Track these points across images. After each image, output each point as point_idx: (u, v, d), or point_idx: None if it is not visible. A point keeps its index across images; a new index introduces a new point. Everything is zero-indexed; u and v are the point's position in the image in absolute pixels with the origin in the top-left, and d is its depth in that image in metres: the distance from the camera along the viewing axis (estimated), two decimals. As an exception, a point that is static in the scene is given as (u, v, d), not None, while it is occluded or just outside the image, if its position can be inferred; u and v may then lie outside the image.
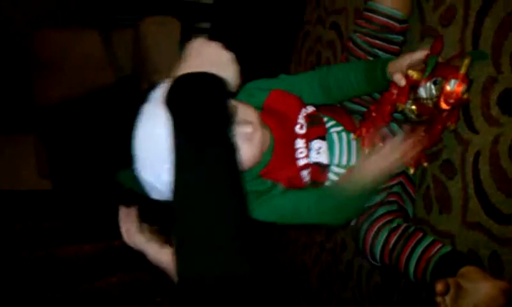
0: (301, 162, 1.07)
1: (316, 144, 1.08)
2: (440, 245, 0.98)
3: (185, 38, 2.66)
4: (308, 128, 1.09)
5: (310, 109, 1.13)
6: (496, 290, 0.85)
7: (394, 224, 1.06)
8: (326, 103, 1.16)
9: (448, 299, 0.84)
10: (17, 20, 2.65)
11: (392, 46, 1.15)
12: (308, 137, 1.08)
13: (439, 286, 0.83)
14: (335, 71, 1.13)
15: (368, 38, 1.15)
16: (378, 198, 1.13)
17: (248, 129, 0.97)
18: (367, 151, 1.08)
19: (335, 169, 1.09)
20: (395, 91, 1.01)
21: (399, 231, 1.04)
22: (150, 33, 2.48)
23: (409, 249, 1.00)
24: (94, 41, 2.57)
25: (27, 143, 2.60)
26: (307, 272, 1.82)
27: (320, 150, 1.08)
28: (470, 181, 1.00)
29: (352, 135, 1.12)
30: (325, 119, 1.13)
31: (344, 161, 1.10)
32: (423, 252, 0.99)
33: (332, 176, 1.09)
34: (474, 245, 1.00)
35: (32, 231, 2.50)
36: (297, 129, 1.09)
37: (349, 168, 1.09)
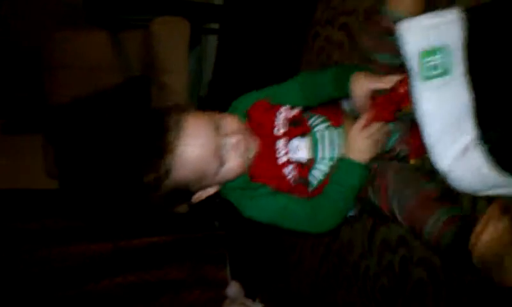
0: (281, 161, 1.12)
1: (294, 142, 1.13)
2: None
3: (194, 39, 2.67)
4: (288, 128, 1.14)
5: (293, 112, 1.17)
6: None
7: (435, 184, 1.03)
8: (313, 106, 1.19)
9: (497, 223, 0.80)
10: (28, 21, 2.67)
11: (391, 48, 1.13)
12: (288, 137, 1.13)
13: (500, 203, 0.79)
14: (310, 78, 1.19)
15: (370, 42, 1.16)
16: None
17: (232, 140, 1.06)
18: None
19: (320, 165, 1.13)
20: (401, 91, 1.00)
21: (439, 191, 1.00)
22: (159, 34, 2.48)
23: (427, 218, 0.95)
24: (104, 42, 2.58)
25: (36, 142, 2.62)
26: (314, 273, 1.81)
27: (299, 147, 1.13)
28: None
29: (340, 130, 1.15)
30: (312, 118, 1.17)
31: (327, 155, 1.14)
32: (449, 219, 0.93)
33: (316, 173, 1.14)
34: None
35: (38, 230, 2.51)
36: (276, 131, 1.14)
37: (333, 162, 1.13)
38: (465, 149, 0.89)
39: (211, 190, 1.14)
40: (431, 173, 1.05)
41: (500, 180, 0.86)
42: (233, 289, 2.35)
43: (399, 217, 1.02)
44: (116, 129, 2.43)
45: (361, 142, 1.05)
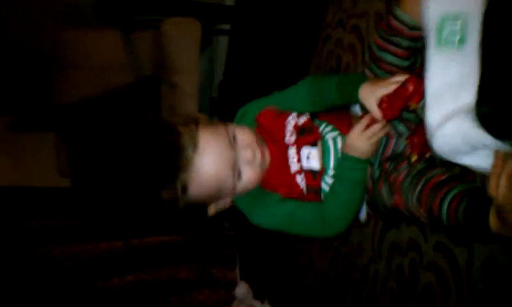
0: (293, 169, 1.11)
1: (305, 150, 1.12)
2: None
3: (205, 40, 2.68)
4: (298, 137, 1.13)
5: (302, 119, 1.16)
6: None
7: (444, 169, 1.03)
8: (321, 111, 1.18)
9: (507, 167, 0.78)
10: (40, 20, 2.69)
11: (398, 49, 1.12)
12: (299, 145, 1.12)
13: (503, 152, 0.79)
14: (317, 82, 1.16)
15: (379, 40, 1.15)
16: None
17: (248, 154, 1.05)
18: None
19: (330, 173, 1.12)
20: (410, 88, 1.00)
21: (448, 173, 1.00)
22: (170, 34, 2.50)
23: (449, 187, 0.95)
24: (115, 42, 2.60)
25: (48, 141, 2.64)
26: (323, 276, 1.81)
27: (310, 156, 1.12)
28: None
29: None
30: (322, 126, 1.17)
31: None
32: (462, 191, 0.92)
33: (329, 180, 1.12)
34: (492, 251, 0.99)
35: (50, 228, 2.54)
36: (287, 139, 1.13)
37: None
38: (458, 111, 0.89)
39: (228, 202, 1.14)
40: (437, 165, 1.06)
41: (486, 141, 0.86)
42: (242, 290, 2.35)
43: (417, 212, 1.02)
44: (131, 143, 2.46)
45: (362, 142, 1.05)
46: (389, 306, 1.37)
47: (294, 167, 1.11)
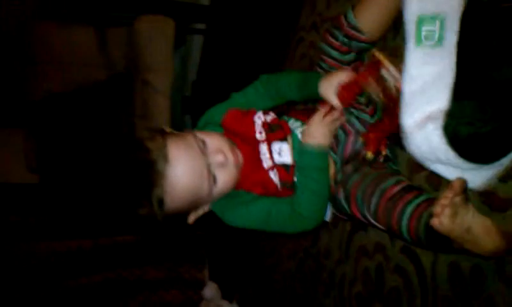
0: (266, 165, 1.12)
1: (276, 145, 1.14)
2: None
3: (179, 38, 2.66)
4: (268, 133, 1.14)
5: (270, 117, 1.18)
6: (496, 229, 0.84)
7: (399, 178, 1.03)
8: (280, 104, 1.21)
9: (454, 200, 0.80)
10: (10, 14, 2.64)
11: (334, 40, 1.19)
12: (269, 141, 1.13)
13: (457, 183, 0.80)
14: (273, 81, 1.19)
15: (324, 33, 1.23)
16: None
17: (219, 158, 1.05)
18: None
19: None
20: (365, 74, 1.04)
21: (402, 185, 1.00)
22: (144, 32, 2.48)
23: (404, 202, 0.94)
24: (88, 38, 2.57)
25: (17, 136, 2.59)
26: (291, 277, 1.82)
27: (281, 151, 1.14)
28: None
29: None
30: (290, 121, 1.19)
31: None
32: (418, 205, 0.92)
33: None
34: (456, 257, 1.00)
35: (16, 225, 2.49)
36: (258, 136, 1.14)
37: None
38: (429, 118, 0.91)
39: (206, 208, 1.14)
40: (391, 172, 1.09)
41: (449, 157, 0.88)
42: (211, 290, 2.35)
43: (375, 223, 1.03)
44: (103, 134, 2.43)
45: (321, 129, 1.07)
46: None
47: (267, 163, 1.12)
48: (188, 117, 3.10)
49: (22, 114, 2.61)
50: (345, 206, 1.10)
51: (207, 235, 2.56)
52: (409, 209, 0.92)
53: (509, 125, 0.79)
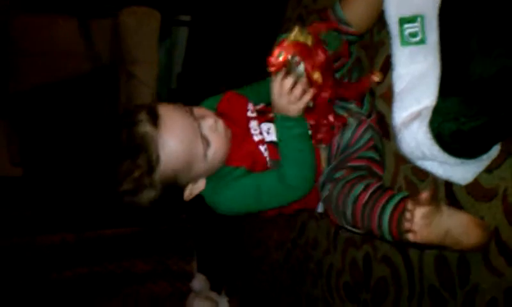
0: (256, 138, 1.15)
1: (265, 125, 1.17)
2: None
3: (165, 30, 2.65)
4: (258, 114, 1.19)
5: (259, 106, 1.25)
6: (474, 223, 0.86)
7: (368, 181, 1.03)
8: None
9: (422, 210, 0.82)
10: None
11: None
12: (259, 120, 1.17)
13: (425, 195, 0.81)
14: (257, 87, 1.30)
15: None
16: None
17: (209, 121, 1.08)
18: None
19: None
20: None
21: (372, 188, 0.99)
22: (128, 24, 2.47)
23: (380, 206, 0.95)
24: (72, 29, 2.55)
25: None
26: (279, 268, 1.83)
27: (270, 131, 1.16)
28: (441, 184, 1.02)
29: None
30: None
31: None
32: (395, 207, 0.92)
33: None
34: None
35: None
36: (249, 113, 1.19)
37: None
38: (418, 115, 0.92)
39: (201, 185, 1.13)
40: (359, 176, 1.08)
41: (434, 152, 0.90)
42: (199, 282, 2.35)
43: (352, 229, 1.05)
44: (87, 126, 2.42)
45: (284, 100, 1.04)
46: (344, 297, 1.40)
47: (257, 137, 1.14)
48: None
49: (5, 106, 2.58)
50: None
51: (195, 227, 2.57)
52: (387, 212, 0.93)
53: (493, 119, 0.81)
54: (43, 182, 2.51)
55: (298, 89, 1.02)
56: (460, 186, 0.96)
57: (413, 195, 1.01)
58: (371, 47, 1.24)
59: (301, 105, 1.04)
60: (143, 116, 1.02)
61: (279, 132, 1.10)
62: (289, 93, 1.02)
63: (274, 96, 1.05)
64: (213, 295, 2.33)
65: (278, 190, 1.09)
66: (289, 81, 1.02)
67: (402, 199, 0.92)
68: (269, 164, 1.14)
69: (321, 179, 1.13)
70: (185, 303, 2.32)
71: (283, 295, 1.81)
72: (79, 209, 2.43)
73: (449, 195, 1.00)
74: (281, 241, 1.82)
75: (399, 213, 0.90)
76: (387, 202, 0.93)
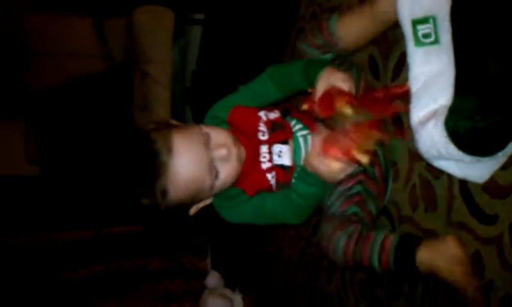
0: (265, 166, 1.14)
1: (276, 148, 1.15)
2: (391, 238, 1.03)
3: (178, 29, 2.66)
4: (270, 133, 1.15)
5: (273, 115, 1.19)
6: (461, 250, 0.96)
7: (349, 231, 1.07)
8: (284, 99, 1.23)
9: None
10: (9, 4, 2.63)
11: (315, 41, 1.22)
12: (270, 142, 1.15)
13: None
14: (279, 70, 1.20)
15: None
16: (338, 198, 1.16)
17: (222, 151, 1.05)
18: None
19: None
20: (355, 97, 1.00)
21: (354, 237, 1.05)
22: (142, 23, 2.47)
23: (367, 254, 1.04)
24: (86, 29, 2.56)
25: (17, 128, 2.60)
26: (293, 265, 1.84)
27: (281, 153, 1.15)
28: (456, 181, 1.02)
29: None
30: (292, 122, 1.19)
31: None
32: (380, 251, 1.03)
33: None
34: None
35: (17, 217, 2.51)
36: (260, 136, 1.15)
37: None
38: (434, 114, 0.93)
39: (208, 201, 1.16)
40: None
41: (450, 151, 0.91)
42: (213, 279, 2.36)
43: (341, 264, 1.11)
44: (102, 125, 2.43)
45: (323, 167, 1.00)
46: (358, 293, 1.40)
47: (265, 165, 1.14)
48: (188, 108, 3.10)
49: (22, 106, 2.61)
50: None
51: (208, 224, 2.58)
52: (375, 252, 1.03)
53: (508, 116, 0.81)
54: (61, 180, 2.53)
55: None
56: (475, 183, 0.96)
57: (427, 192, 1.02)
58: (385, 44, 1.24)
59: (333, 179, 1.05)
60: (158, 145, 1.02)
61: (298, 185, 1.10)
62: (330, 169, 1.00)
63: (313, 153, 1.02)
64: (227, 292, 2.34)
65: (281, 218, 1.15)
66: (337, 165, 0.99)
67: (383, 243, 1.03)
68: (274, 188, 1.15)
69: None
70: (199, 300, 2.34)
71: (297, 292, 1.81)
72: (94, 208, 2.45)
73: (464, 192, 1.00)
74: (295, 238, 1.82)
75: (386, 257, 1.02)
76: (374, 242, 1.04)
